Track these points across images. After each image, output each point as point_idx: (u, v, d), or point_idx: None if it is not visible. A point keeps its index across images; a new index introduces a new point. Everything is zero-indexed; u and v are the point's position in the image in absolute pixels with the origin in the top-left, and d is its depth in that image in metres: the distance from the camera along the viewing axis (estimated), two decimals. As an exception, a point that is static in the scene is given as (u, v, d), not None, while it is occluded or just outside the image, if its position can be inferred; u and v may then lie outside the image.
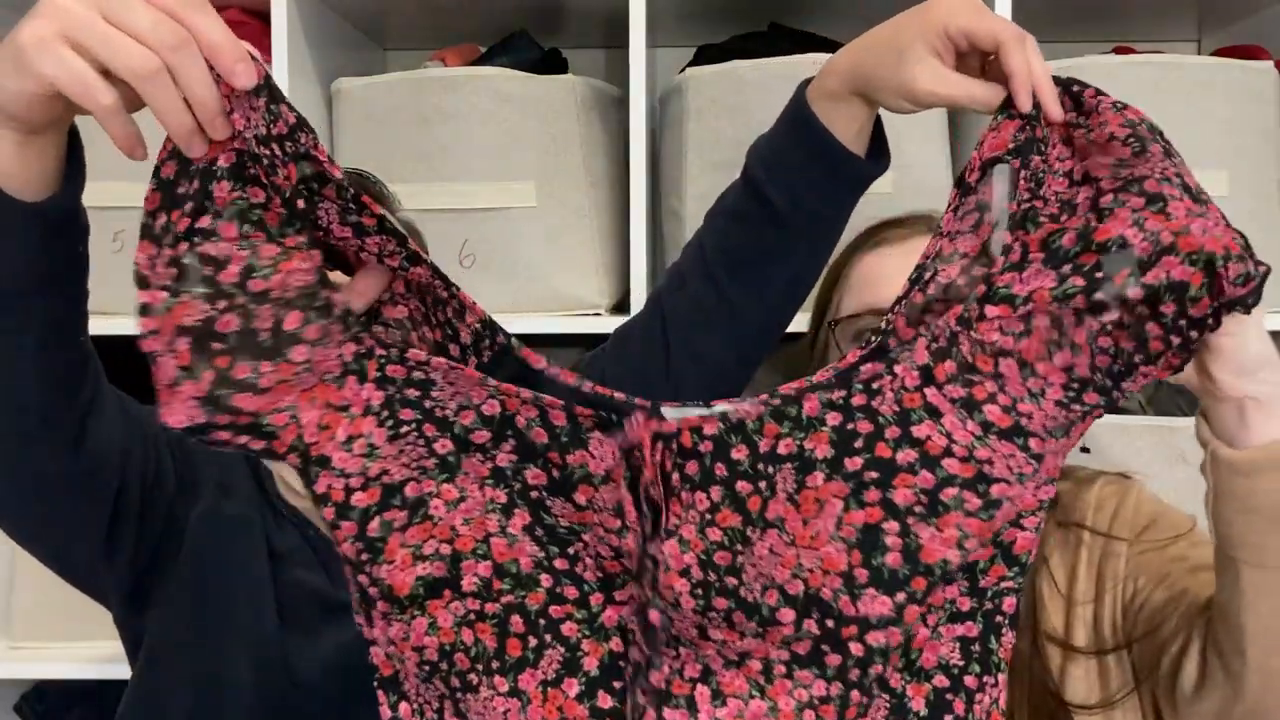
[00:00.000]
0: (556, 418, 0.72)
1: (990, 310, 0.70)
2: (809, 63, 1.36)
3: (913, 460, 0.71)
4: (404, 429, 0.73)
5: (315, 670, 1.01)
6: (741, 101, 1.37)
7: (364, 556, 0.73)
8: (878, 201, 1.39)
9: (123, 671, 1.07)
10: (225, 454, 1.06)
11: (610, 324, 1.38)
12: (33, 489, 0.87)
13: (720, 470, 0.72)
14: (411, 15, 1.65)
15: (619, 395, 0.73)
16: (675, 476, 0.72)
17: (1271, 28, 1.56)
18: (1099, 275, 0.67)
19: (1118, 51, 1.57)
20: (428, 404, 0.73)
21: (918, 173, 1.39)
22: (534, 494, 0.74)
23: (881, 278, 1.06)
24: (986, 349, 0.71)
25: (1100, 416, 0.72)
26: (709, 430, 0.72)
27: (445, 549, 0.74)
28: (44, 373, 0.79)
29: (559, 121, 1.42)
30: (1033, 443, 0.71)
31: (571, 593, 0.75)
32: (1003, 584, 0.74)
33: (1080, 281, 0.68)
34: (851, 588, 0.71)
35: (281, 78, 1.38)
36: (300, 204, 0.68)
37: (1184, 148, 1.48)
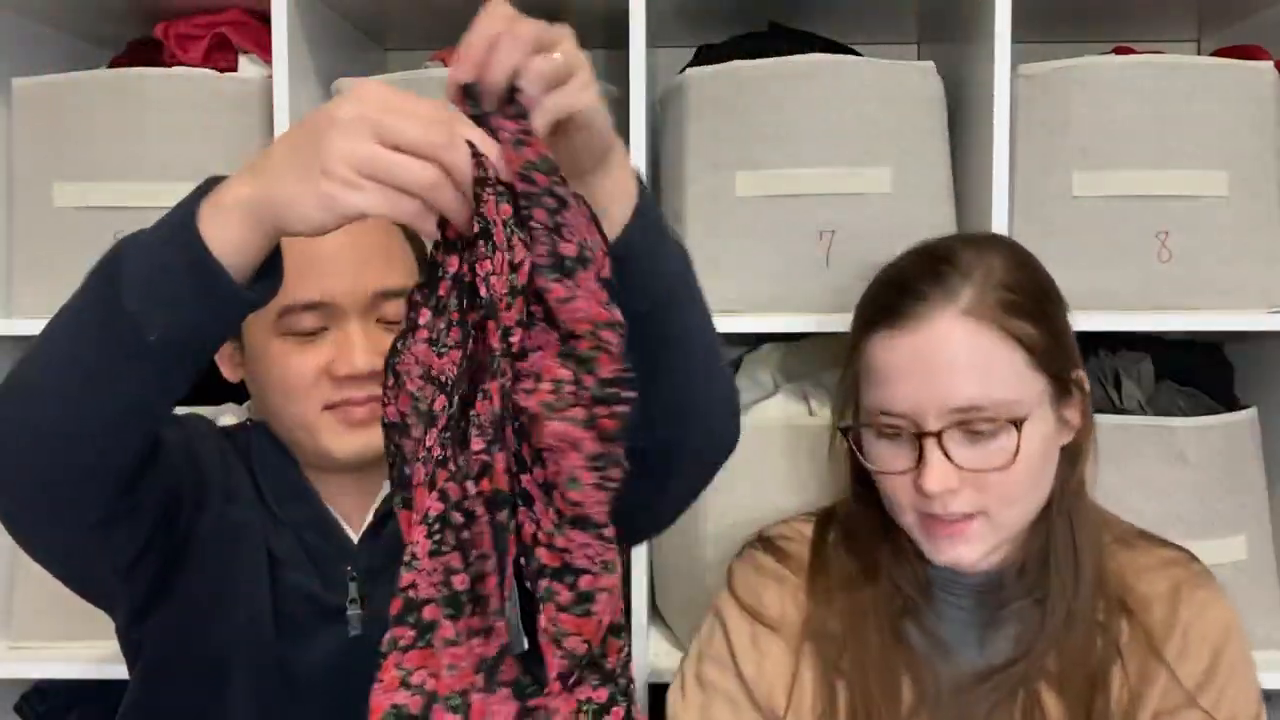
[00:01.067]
0: (509, 667, 0.72)
1: (520, 367, 0.69)
2: (809, 63, 1.36)
3: (517, 553, 0.70)
4: (444, 549, 0.70)
5: (309, 672, 1.01)
6: (741, 101, 1.36)
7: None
8: (878, 201, 1.39)
9: (123, 671, 1.07)
10: (229, 458, 1.06)
11: (610, 324, 1.37)
12: (81, 524, 0.86)
13: None
14: (411, 15, 1.65)
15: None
16: None
17: (1271, 28, 1.56)
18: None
19: (1118, 51, 1.57)
20: (466, 535, 0.71)
21: (917, 171, 1.38)
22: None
23: (890, 377, 1.01)
24: (531, 415, 0.69)
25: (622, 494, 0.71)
26: None
27: (430, 683, 0.71)
28: (151, 423, 0.81)
29: (559, 121, 1.41)
30: (606, 531, 0.70)
31: None
32: (623, 654, 0.72)
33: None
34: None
35: (281, 78, 1.37)
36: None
37: (1184, 148, 1.48)
